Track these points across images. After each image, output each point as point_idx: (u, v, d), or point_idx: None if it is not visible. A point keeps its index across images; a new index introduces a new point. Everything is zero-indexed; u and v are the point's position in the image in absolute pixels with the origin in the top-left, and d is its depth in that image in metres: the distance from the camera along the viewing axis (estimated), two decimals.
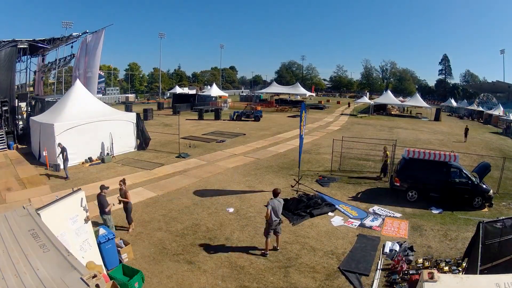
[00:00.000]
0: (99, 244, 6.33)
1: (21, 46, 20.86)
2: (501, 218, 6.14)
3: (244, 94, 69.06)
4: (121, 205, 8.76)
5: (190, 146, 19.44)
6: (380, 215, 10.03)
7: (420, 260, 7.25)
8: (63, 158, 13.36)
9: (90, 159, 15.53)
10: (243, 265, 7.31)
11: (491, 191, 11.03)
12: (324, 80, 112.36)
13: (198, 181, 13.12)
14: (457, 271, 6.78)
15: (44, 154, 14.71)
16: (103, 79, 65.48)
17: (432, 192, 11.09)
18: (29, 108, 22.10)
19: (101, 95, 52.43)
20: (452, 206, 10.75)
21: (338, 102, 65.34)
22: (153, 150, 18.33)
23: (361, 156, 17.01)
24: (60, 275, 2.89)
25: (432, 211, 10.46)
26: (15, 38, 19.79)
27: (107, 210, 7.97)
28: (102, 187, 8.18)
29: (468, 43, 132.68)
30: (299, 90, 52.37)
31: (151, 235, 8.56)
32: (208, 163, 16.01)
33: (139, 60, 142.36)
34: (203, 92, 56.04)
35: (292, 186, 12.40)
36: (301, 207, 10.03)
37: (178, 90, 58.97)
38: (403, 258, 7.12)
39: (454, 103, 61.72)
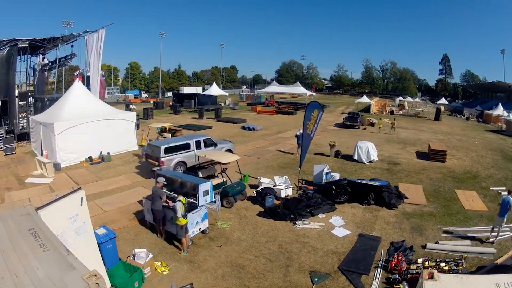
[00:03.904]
0: (99, 244, 6.32)
1: (21, 45, 20.81)
2: None
3: (244, 93, 68.89)
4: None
5: None
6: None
7: (420, 260, 7.24)
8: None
9: (90, 158, 15.53)
10: (243, 264, 7.32)
11: None
12: (324, 79, 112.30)
13: None
14: (457, 271, 6.78)
15: (45, 153, 14.73)
16: (103, 78, 65.40)
17: None
18: (33, 107, 22.16)
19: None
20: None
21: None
22: None
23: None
24: (60, 274, 2.89)
25: None
26: (15, 37, 19.75)
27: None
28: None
29: (468, 43, 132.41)
30: (299, 89, 52.17)
31: (150, 234, 8.57)
32: None
33: (140, 59, 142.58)
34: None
35: (296, 185, 12.37)
36: (301, 207, 10.02)
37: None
38: (403, 258, 7.11)
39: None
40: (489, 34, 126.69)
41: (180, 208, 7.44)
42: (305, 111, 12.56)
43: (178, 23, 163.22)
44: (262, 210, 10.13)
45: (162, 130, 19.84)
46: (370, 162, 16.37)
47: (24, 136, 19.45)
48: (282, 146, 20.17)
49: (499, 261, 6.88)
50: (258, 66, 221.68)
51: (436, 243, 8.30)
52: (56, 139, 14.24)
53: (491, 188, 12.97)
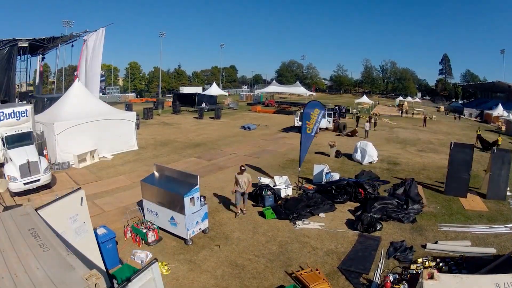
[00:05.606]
0: (99, 243, 6.31)
1: (21, 45, 20.83)
2: None
3: (244, 93, 68.88)
4: None
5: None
6: None
7: (420, 260, 7.24)
8: None
9: None
10: (243, 264, 7.31)
11: None
12: (324, 79, 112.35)
13: None
14: (457, 271, 6.77)
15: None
16: (103, 78, 65.53)
17: None
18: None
19: (101, 94, 52.48)
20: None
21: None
22: (153, 150, 18.33)
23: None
24: (60, 274, 2.89)
25: None
26: (15, 37, 19.75)
27: None
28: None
29: (468, 43, 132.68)
30: (299, 89, 52.16)
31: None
32: (208, 162, 16.00)
33: (140, 59, 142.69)
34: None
35: (297, 185, 12.37)
36: (301, 207, 10.02)
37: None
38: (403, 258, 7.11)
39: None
40: (489, 34, 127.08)
41: None
42: (304, 110, 12.57)
43: (178, 23, 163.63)
44: (262, 210, 10.05)
45: None
46: (370, 162, 16.37)
47: None
48: (282, 146, 20.17)
49: None
50: (258, 66, 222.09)
51: (435, 243, 8.30)
52: (56, 138, 14.25)
53: None
